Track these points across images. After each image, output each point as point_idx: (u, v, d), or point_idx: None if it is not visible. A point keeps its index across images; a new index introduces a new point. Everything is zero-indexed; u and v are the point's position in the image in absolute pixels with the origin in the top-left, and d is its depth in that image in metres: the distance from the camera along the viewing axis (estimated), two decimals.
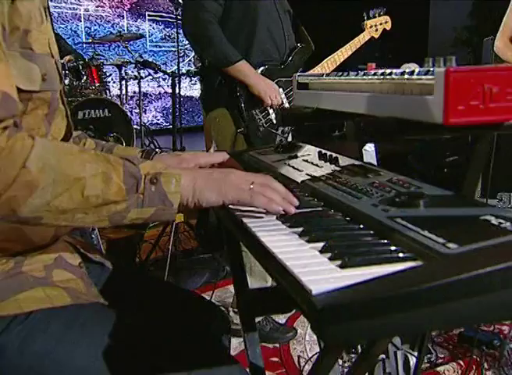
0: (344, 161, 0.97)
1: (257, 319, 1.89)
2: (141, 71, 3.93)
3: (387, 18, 2.08)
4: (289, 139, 1.82)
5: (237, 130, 1.76)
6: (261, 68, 1.76)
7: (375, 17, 2.05)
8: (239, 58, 1.70)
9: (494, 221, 0.57)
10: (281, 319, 2.01)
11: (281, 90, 1.80)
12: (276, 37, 1.78)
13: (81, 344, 0.72)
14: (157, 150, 1.00)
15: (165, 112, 5.88)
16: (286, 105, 1.80)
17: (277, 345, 1.87)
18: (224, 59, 1.69)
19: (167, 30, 5.89)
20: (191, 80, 5.84)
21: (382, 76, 0.75)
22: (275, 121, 1.81)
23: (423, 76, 0.66)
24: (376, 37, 2.04)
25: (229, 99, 1.76)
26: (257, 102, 1.76)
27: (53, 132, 0.79)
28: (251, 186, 0.74)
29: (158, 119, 5.88)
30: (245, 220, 0.73)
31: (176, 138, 2.63)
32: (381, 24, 2.05)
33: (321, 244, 0.60)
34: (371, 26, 2.03)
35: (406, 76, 0.70)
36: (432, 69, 0.64)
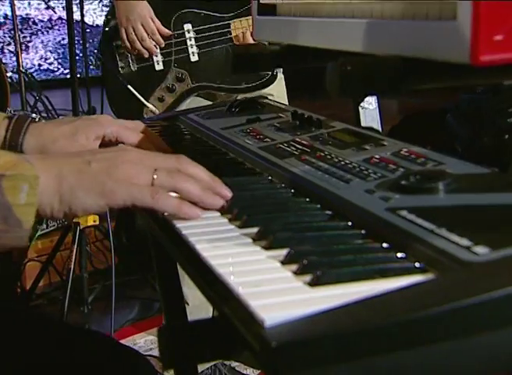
0: (330, 125, 0.98)
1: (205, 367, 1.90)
2: None
3: None
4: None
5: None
6: None
7: None
8: None
9: None
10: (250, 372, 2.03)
11: (188, 26, 1.87)
12: None
13: None
14: (33, 115, 0.97)
15: (60, 51, 5.76)
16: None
17: None
18: None
19: None
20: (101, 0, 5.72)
21: None
22: (157, 67, 1.87)
23: None
24: None
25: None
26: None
27: None
28: (154, 176, 0.74)
29: (50, 64, 5.76)
30: (175, 222, 0.73)
31: (77, 94, 2.57)
32: None
33: (283, 252, 0.60)
34: None
35: None
36: None
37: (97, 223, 2.40)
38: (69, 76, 5.62)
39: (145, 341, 2.29)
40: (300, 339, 0.47)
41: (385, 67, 0.72)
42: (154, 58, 1.87)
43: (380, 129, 0.99)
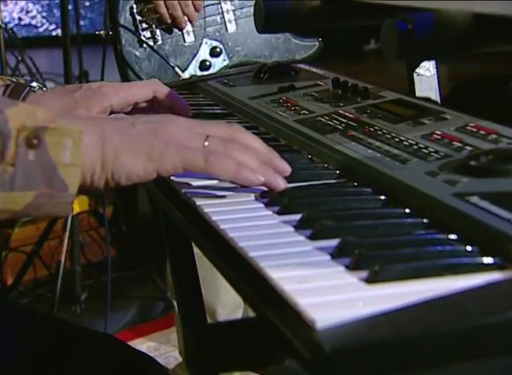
0: (379, 95, 0.98)
1: None
2: None
3: None
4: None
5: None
6: None
7: None
8: None
9: None
10: None
11: None
12: None
13: None
14: (33, 84, 0.98)
15: (44, 3, 5.74)
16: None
17: None
18: None
19: None
20: None
21: None
22: (188, 39, 1.83)
23: None
24: None
25: None
26: None
27: None
28: (206, 143, 0.75)
29: (33, 17, 5.76)
30: (200, 203, 0.74)
31: (69, 55, 2.56)
32: None
33: (333, 243, 0.61)
34: None
35: None
36: None
37: (88, 209, 2.43)
38: (54, 33, 5.65)
39: (147, 347, 2.31)
40: (359, 344, 0.48)
41: (454, 26, 0.72)
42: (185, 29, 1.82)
43: (439, 99, 0.99)
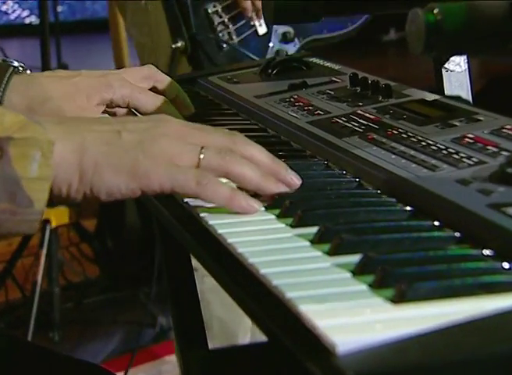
0: (403, 93, 0.99)
1: None
2: None
3: None
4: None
5: (172, 43, 1.84)
6: None
7: None
8: None
9: None
10: None
11: None
12: None
13: None
14: (15, 63, 0.96)
15: None
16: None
17: None
18: None
19: None
20: None
21: None
22: (261, 31, 1.90)
23: None
24: None
25: None
26: None
27: None
28: (201, 155, 0.76)
29: (4, 3, 5.76)
30: (204, 215, 0.76)
31: (48, 46, 2.56)
32: None
33: (354, 259, 0.63)
34: None
35: None
36: None
37: (73, 220, 2.44)
38: (28, 20, 5.65)
39: None
40: (385, 371, 0.49)
41: (489, 16, 0.73)
42: (256, 21, 1.90)
43: (471, 98, 1.00)
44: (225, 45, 1.89)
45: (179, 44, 1.85)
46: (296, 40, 1.92)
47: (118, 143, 0.75)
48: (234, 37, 1.91)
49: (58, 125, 0.76)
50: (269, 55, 1.88)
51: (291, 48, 1.89)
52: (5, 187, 0.70)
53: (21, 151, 0.70)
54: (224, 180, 0.77)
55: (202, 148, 0.76)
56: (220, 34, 1.90)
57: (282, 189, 0.77)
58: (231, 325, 1.88)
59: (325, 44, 1.98)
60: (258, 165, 0.77)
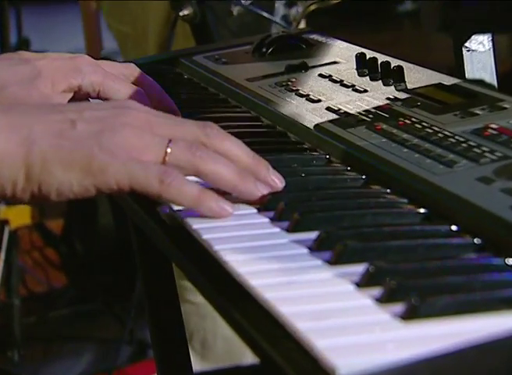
0: (418, 76, 1.00)
1: None
2: None
3: None
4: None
5: (177, 10, 1.85)
6: None
7: None
8: None
9: None
10: None
11: None
12: None
13: None
14: None
15: None
16: None
17: None
18: None
19: None
20: None
21: None
22: None
23: None
24: None
25: None
26: None
27: None
28: (168, 149, 0.76)
29: None
30: (187, 217, 0.76)
31: (7, 19, 2.56)
32: None
33: (359, 269, 0.63)
34: None
35: None
36: None
37: (36, 220, 2.44)
38: None
39: None
40: None
41: None
42: None
43: (496, 82, 1.01)
44: (236, 10, 1.88)
45: (186, 12, 1.85)
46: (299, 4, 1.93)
47: (70, 134, 0.75)
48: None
49: (3, 113, 0.76)
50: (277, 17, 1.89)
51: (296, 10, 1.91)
52: None
53: None
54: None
55: (170, 141, 0.76)
56: None
57: (262, 190, 0.77)
58: (238, 344, 1.89)
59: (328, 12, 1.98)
60: (235, 161, 0.78)
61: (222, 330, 1.88)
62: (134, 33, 2.01)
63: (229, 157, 0.78)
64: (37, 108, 0.82)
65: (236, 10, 1.91)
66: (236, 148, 0.79)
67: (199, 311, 1.84)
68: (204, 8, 1.87)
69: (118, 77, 0.99)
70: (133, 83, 1.00)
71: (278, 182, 0.78)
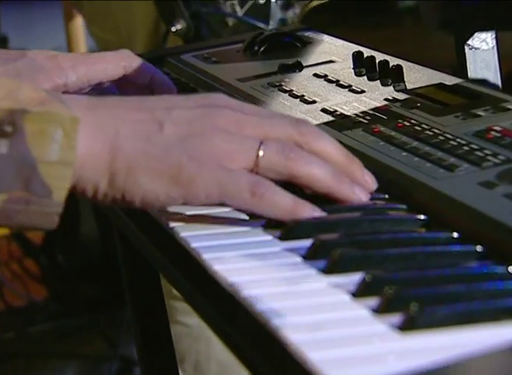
0: (418, 76, 1.01)
1: None
2: None
3: None
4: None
5: (169, 26, 1.87)
6: None
7: None
8: None
9: None
10: None
11: None
12: None
13: None
14: None
15: None
16: None
17: None
18: None
19: None
20: None
21: None
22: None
23: None
24: None
25: None
26: None
27: None
28: (260, 152, 0.75)
29: None
30: (175, 225, 0.77)
31: None
32: None
33: (355, 278, 0.64)
34: None
35: None
36: None
37: (15, 230, 2.43)
38: None
39: None
40: None
41: None
42: None
43: (499, 82, 1.01)
44: (230, 21, 1.92)
45: (179, 27, 1.87)
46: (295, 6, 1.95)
47: (158, 140, 0.75)
48: (238, 9, 1.94)
49: (87, 111, 0.75)
50: (271, 26, 1.91)
51: (291, 14, 1.94)
52: (18, 171, 0.70)
53: (38, 128, 0.70)
54: None
55: (261, 142, 0.76)
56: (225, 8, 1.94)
57: (358, 193, 0.77)
58: (232, 368, 1.88)
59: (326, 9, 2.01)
60: (329, 161, 0.77)
61: (216, 353, 1.88)
62: (118, 40, 2.02)
63: (323, 157, 0.77)
64: (121, 106, 0.80)
65: (231, 21, 1.93)
66: (331, 147, 0.79)
67: (192, 333, 1.84)
68: (198, 22, 1.89)
69: (99, 58, 1.01)
70: (128, 68, 1.02)
71: (370, 182, 0.79)
